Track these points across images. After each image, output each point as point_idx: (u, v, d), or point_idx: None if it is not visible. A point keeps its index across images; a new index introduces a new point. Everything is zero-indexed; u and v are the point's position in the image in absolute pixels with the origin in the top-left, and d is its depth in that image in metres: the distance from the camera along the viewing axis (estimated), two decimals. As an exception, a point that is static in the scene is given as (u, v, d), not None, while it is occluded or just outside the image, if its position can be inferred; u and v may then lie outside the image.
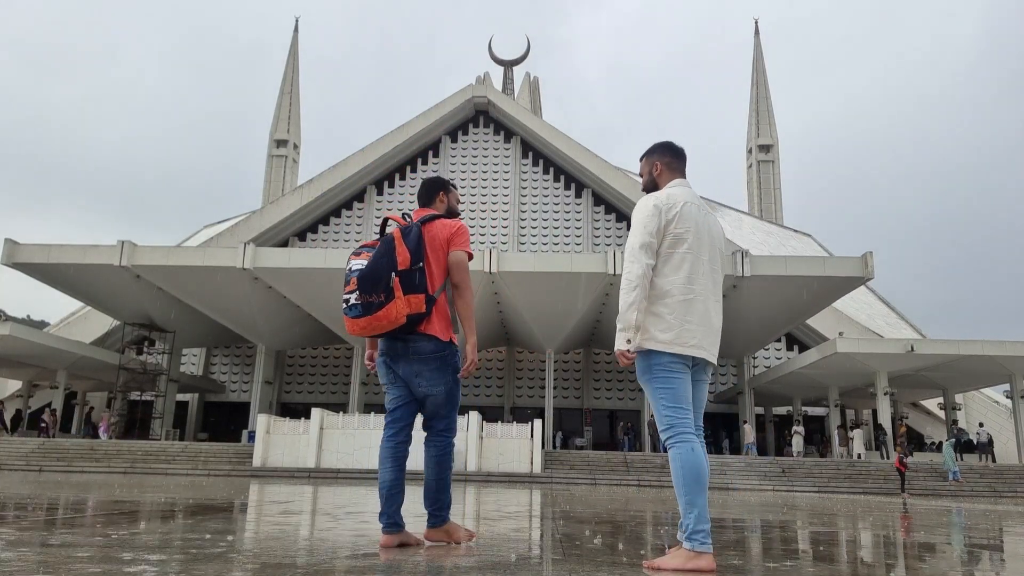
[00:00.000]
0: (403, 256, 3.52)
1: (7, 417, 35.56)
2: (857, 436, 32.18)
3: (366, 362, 3.85)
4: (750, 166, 65.62)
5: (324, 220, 44.80)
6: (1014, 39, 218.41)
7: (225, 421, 42.37)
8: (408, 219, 3.74)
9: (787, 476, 25.72)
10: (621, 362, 3.21)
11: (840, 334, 34.37)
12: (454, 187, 4.13)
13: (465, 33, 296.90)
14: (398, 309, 3.46)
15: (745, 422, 35.80)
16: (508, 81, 69.37)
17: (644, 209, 3.32)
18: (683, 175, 3.53)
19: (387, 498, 3.61)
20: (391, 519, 3.60)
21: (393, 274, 3.48)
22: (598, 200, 44.53)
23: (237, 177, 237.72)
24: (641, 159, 3.63)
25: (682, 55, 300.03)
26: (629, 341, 3.17)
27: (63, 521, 4.90)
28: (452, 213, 3.96)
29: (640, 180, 3.65)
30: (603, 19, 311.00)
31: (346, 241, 44.29)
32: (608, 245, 42.42)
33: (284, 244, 43.08)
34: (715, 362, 3.37)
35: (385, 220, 3.76)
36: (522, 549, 3.90)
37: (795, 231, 59.38)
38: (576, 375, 42.53)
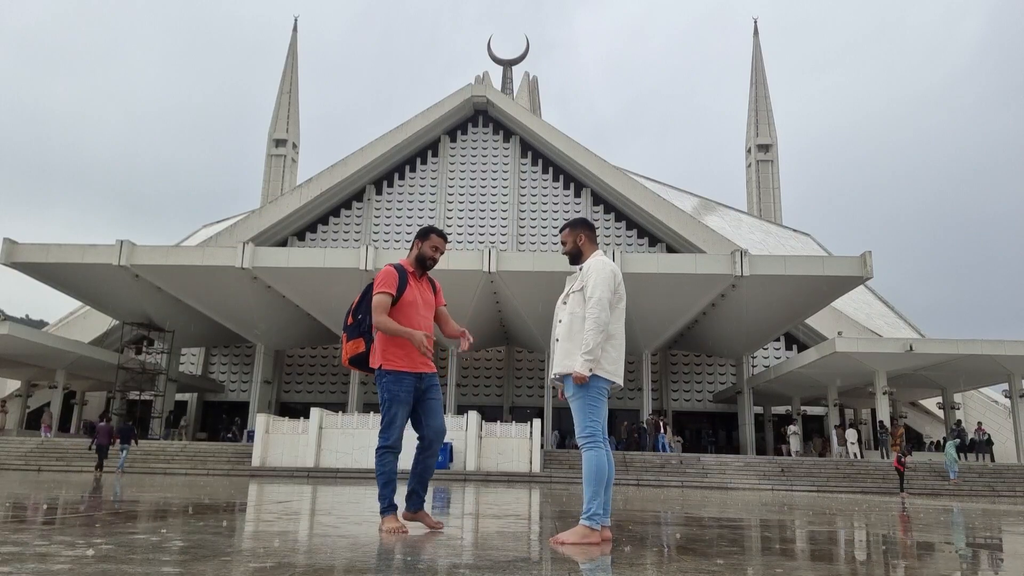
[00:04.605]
0: (351, 316, 4.81)
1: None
2: (850, 436, 32.13)
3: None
4: (749, 165, 65.62)
5: (323, 220, 44.78)
6: (1015, 39, 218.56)
7: (224, 421, 42.36)
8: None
9: (786, 475, 25.75)
10: (579, 383, 4.11)
11: (839, 333, 34.38)
12: (441, 235, 4.91)
13: (465, 33, 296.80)
14: (342, 353, 4.89)
15: (665, 423, 34.88)
16: (507, 81, 69.35)
17: (606, 272, 4.25)
18: (598, 245, 4.59)
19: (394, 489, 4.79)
20: (408, 503, 4.80)
21: (342, 331, 4.90)
22: (597, 200, 44.54)
23: (236, 177, 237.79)
24: (564, 230, 4.58)
25: (682, 55, 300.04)
26: (591, 370, 4.09)
27: (60, 521, 4.90)
28: (420, 259, 4.84)
29: (563, 248, 4.63)
30: (603, 19, 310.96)
31: (344, 241, 44.29)
32: (607, 244, 42.41)
33: (283, 244, 43.05)
34: None
35: None
36: (521, 548, 3.91)
37: (794, 231, 59.36)
38: (575, 375, 42.44)
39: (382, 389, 4.60)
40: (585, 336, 4.09)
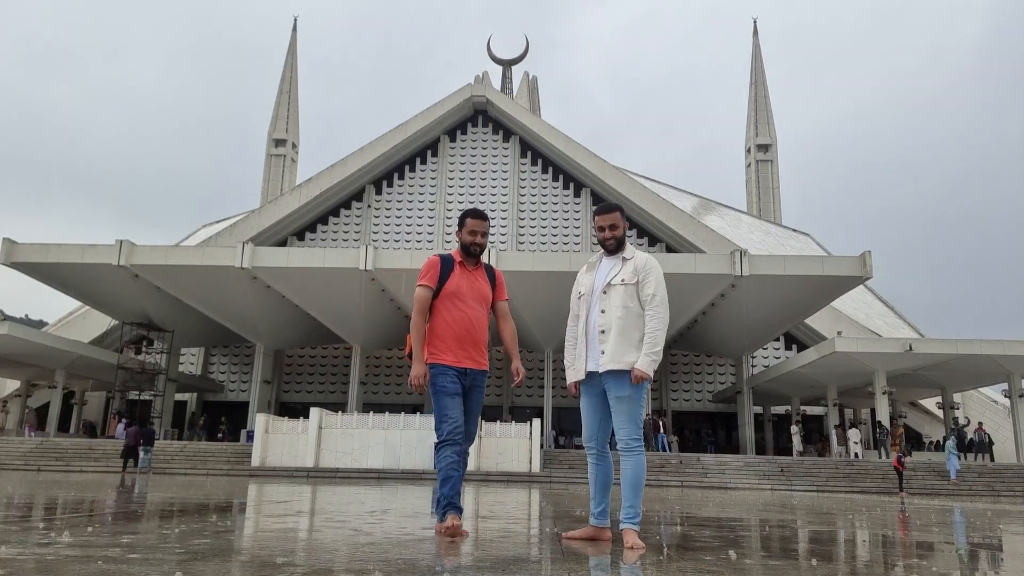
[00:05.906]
0: None
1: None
2: (852, 436, 32.15)
3: None
4: (749, 165, 65.58)
5: (323, 219, 44.75)
6: (1015, 41, 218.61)
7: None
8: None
9: (785, 475, 25.75)
10: (640, 381, 3.96)
11: (839, 333, 34.38)
12: (475, 216, 4.44)
13: (465, 32, 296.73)
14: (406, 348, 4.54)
15: (664, 422, 33.61)
16: (507, 80, 69.25)
17: (660, 271, 4.16)
18: None
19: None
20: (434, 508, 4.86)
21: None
22: (597, 199, 44.46)
23: (236, 176, 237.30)
24: (606, 213, 4.26)
25: (682, 55, 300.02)
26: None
27: (59, 521, 4.90)
28: (463, 248, 4.45)
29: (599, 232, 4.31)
30: (604, 19, 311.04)
31: (344, 241, 44.27)
32: (607, 244, 42.33)
33: (283, 243, 43.02)
34: None
35: None
36: (521, 548, 3.90)
37: (794, 230, 59.33)
38: (575, 374, 42.41)
39: (429, 384, 4.33)
40: (652, 335, 4.02)
